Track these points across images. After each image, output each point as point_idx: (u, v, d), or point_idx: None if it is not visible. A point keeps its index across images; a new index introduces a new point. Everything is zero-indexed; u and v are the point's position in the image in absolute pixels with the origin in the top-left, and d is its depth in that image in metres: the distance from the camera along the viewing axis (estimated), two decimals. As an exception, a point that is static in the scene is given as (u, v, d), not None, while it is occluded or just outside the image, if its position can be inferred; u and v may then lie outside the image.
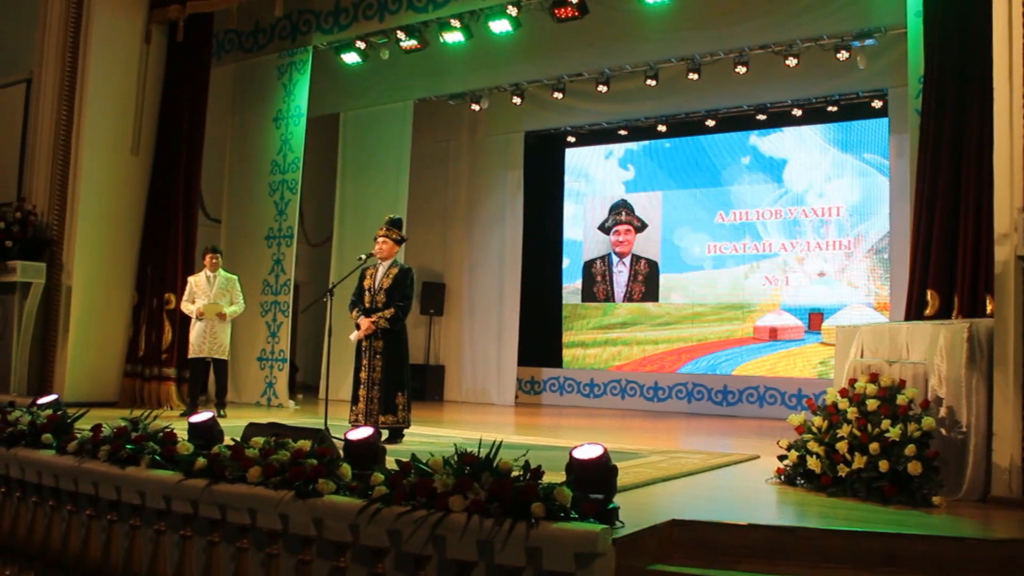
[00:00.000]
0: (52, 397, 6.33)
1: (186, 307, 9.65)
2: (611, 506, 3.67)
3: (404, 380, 7.42)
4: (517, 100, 12.89)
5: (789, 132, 12.49)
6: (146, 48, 10.78)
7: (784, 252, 12.38)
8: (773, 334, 12.36)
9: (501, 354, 13.55)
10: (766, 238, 12.50)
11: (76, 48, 10.21)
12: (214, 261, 9.64)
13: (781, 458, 5.64)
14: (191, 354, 9.57)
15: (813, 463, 5.26)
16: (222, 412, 9.21)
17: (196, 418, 5.15)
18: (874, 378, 5.29)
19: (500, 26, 10.91)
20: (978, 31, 5.85)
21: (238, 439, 4.78)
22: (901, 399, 5.03)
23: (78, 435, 5.43)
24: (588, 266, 14.07)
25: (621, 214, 13.78)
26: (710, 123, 12.69)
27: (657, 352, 13.23)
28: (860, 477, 4.97)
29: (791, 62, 10.83)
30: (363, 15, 11.38)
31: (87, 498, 5.12)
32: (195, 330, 9.53)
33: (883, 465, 4.86)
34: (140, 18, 10.74)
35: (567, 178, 14.36)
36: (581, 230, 14.19)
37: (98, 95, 10.22)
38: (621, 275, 13.73)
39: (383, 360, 7.36)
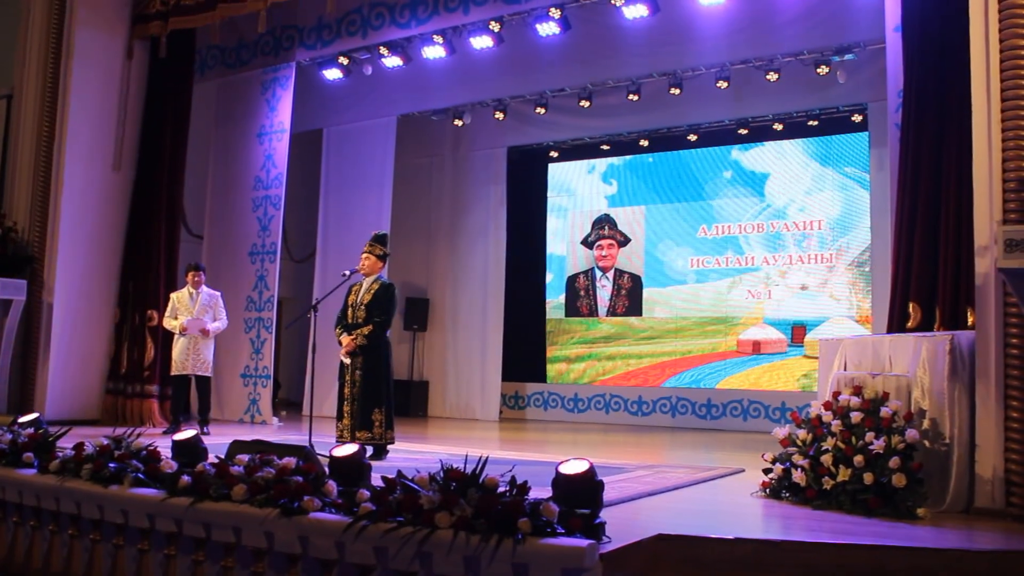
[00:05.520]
0: (33, 415, 6.26)
1: (168, 323, 9.60)
2: (597, 521, 3.67)
3: (383, 396, 7.39)
4: (500, 115, 12.92)
5: (770, 146, 12.56)
6: (128, 64, 10.74)
7: (766, 266, 12.44)
8: (756, 347, 12.40)
9: (485, 369, 13.50)
10: (748, 252, 12.56)
11: (57, 63, 10.15)
12: (196, 279, 9.61)
13: (766, 471, 5.65)
14: (174, 371, 9.52)
15: (798, 476, 5.27)
16: (205, 429, 9.16)
17: (179, 436, 5.12)
18: (858, 391, 5.32)
19: (482, 42, 10.96)
20: (956, 46, 5.90)
21: (222, 456, 4.75)
22: (885, 412, 5.06)
23: (60, 453, 5.38)
24: (571, 281, 14.08)
25: (604, 228, 13.82)
26: (692, 137, 12.75)
27: (641, 366, 13.24)
28: (845, 490, 4.99)
29: (772, 77, 10.92)
30: (346, 31, 11.42)
31: (69, 517, 5.06)
32: (178, 347, 9.49)
33: (868, 477, 4.88)
34: (122, 34, 10.69)
35: (550, 193, 14.38)
36: (564, 245, 14.21)
37: (80, 111, 10.15)
38: (604, 289, 13.75)
39: (362, 375, 7.36)
